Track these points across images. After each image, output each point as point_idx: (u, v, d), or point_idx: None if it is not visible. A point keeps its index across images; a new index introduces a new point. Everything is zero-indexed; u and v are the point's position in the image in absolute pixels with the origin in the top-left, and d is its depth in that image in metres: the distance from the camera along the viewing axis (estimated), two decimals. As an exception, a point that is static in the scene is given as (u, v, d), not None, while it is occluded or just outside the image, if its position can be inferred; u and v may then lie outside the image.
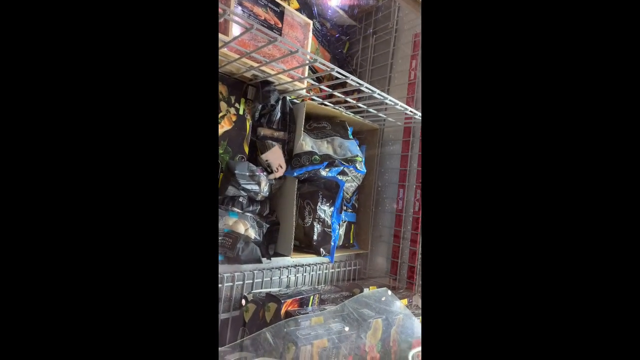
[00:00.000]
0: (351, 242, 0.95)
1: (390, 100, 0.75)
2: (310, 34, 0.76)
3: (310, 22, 0.76)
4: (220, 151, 0.71)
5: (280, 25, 0.71)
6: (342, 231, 0.93)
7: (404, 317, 0.71)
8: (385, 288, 0.75)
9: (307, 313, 0.61)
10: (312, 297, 0.68)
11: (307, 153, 0.75)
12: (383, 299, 0.73)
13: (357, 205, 0.97)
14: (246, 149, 0.75)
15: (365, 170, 0.85)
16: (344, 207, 0.94)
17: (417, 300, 0.83)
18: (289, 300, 0.63)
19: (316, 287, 0.84)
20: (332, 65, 0.64)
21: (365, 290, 0.83)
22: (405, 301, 0.76)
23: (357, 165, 0.77)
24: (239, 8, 0.64)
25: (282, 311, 0.62)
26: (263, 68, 0.67)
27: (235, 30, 0.63)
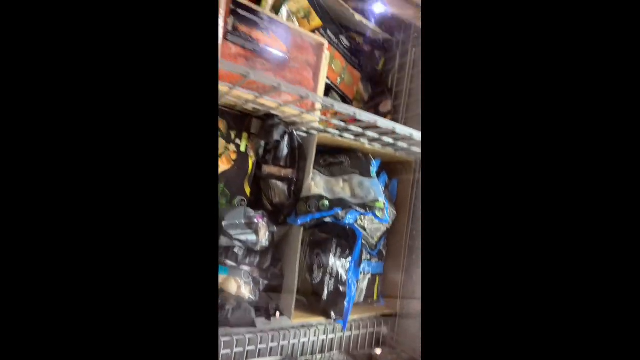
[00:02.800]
0: (375, 297, 0.79)
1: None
2: (326, 55, 0.65)
3: (325, 42, 0.64)
4: (216, 193, 0.63)
5: (285, 49, 0.60)
6: (363, 284, 0.77)
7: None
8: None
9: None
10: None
11: (315, 197, 0.63)
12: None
13: (384, 253, 0.81)
14: (247, 190, 0.65)
15: (389, 219, 0.69)
16: (368, 256, 0.79)
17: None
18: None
19: None
20: (351, 108, 0.52)
21: (386, 370, 0.66)
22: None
23: (376, 212, 0.62)
24: (233, 34, 0.55)
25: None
26: (262, 101, 0.57)
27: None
